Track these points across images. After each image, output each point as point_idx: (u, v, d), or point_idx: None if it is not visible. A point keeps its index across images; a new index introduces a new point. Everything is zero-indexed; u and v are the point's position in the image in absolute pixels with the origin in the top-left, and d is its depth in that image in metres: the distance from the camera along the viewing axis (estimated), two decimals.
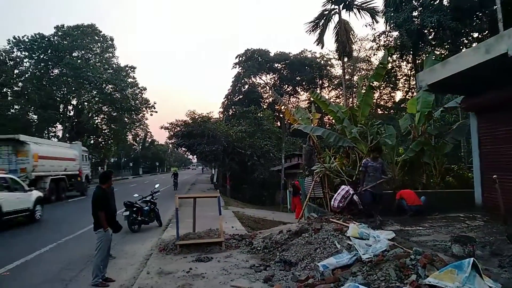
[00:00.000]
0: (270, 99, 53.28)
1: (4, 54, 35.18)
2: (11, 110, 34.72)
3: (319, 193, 12.99)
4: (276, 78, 55.46)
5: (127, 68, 48.83)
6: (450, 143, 11.26)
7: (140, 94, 50.37)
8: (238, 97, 54.00)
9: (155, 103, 51.85)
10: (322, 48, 25.51)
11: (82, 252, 8.13)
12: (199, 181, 47.83)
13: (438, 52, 22.78)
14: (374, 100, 28.15)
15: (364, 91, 12.25)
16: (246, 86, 54.08)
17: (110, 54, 48.50)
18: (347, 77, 31.91)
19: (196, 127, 30.09)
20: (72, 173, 22.99)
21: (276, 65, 53.88)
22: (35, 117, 41.33)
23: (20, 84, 37.02)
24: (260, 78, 55.17)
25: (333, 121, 16.40)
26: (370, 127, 10.98)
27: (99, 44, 46.96)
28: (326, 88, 51.99)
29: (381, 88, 35.06)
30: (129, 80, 48.35)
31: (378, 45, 27.97)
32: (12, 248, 8.79)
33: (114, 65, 47.79)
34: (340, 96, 46.91)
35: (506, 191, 7.27)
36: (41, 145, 20.64)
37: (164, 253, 7.64)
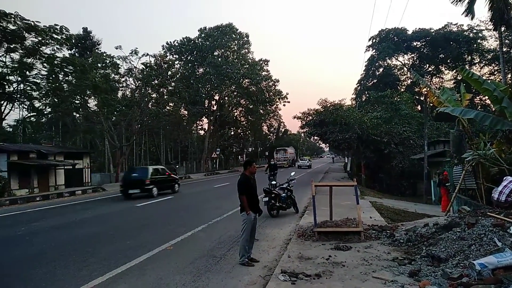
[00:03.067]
0: (409, 81, 49.39)
1: (159, 58, 40.71)
2: (167, 107, 40.09)
3: (471, 184, 11.52)
4: (415, 58, 50.99)
5: (261, 62, 51.28)
6: None
7: (273, 86, 52.44)
8: (372, 82, 51.56)
9: (287, 94, 53.44)
10: (472, 19, 22.15)
11: (229, 233, 8.96)
12: (332, 170, 47.50)
13: None
14: None
15: None
16: (381, 69, 51.16)
17: (246, 50, 51.62)
18: (505, 49, 27.22)
19: (328, 115, 29.85)
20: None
21: (414, 43, 49.44)
22: (185, 112, 46.91)
23: (172, 84, 42.43)
24: (397, 59, 51.46)
25: (488, 101, 14.28)
26: None
27: (236, 41, 50.41)
28: (476, 65, 45.51)
29: None
30: (263, 73, 50.74)
31: None
32: (173, 227, 10.21)
33: (250, 60, 50.72)
34: (496, 73, 40.53)
35: None
36: (289, 148, 62.66)
37: (303, 238, 7.85)
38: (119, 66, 33.34)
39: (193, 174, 40.18)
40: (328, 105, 31.81)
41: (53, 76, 21.51)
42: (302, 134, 69.19)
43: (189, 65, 48.32)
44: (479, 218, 6.40)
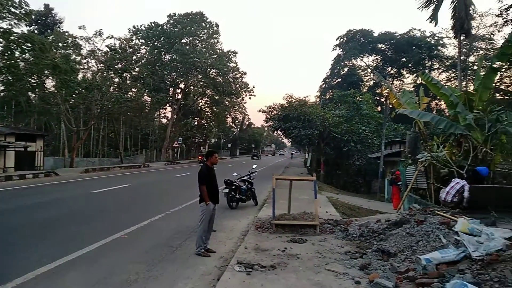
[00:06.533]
0: (371, 83, 50.95)
1: (125, 42, 39.29)
2: (129, 93, 38.85)
3: (422, 183, 12.09)
4: (379, 60, 52.68)
5: (229, 53, 50.79)
6: None
7: (240, 78, 52.19)
8: (337, 80, 52.70)
9: (254, 87, 53.37)
10: (435, 25, 23.24)
11: (186, 223, 8.86)
12: (292, 165, 48.22)
13: None
14: (494, 84, 24.84)
15: (483, 73, 10.87)
16: (346, 69, 52.43)
17: (215, 40, 50.89)
18: (462, 57, 28.68)
19: (292, 110, 30.17)
20: None
21: (379, 45, 51.03)
22: (149, 99, 45.70)
23: (137, 69, 41.13)
24: (362, 60, 52.92)
25: (443, 106, 14.99)
26: (489, 113, 9.75)
27: (205, 30, 49.54)
28: (435, 70, 47.72)
29: (503, 70, 30.85)
30: (231, 64, 50.32)
31: (504, 20, 24.24)
32: (128, 215, 9.96)
33: (218, 51, 50.09)
34: (452, 79, 42.66)
35: None
36: (272, 144, 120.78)
37: (260, 230, 7.93)
38: (82, 47, 31.93)
39: (152, 163, 39.37)
40: (293, 101, 32.15)
41: (9, 52, 20.13)
42: (266, 128, 69.68)
43: (156, 51, 47.01)
44: (427, 216, 6.73)
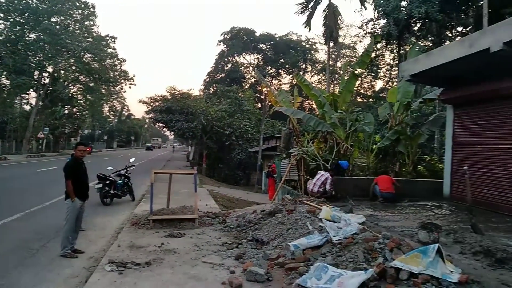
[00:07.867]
0: (252, 80, 53.00)
1: None
2: None
3: (295, 176, 13.11)
4: (260, 59, 55.01)
5: (107, 38, 47.10)
6: (425, 134, 11.51)
7: (119, 65, 48.88)
8: (220, 76, 53.40)
9: (134, 76, 50.54)
10: (309, 31, 25.49)
11: (51, 222, 7.95)
12: (175, 158, 47.45)
13: (422, 44, 22.82)
14: (355, 88, 28.28)
15: (347, 77, 12.30)
16: (229, 65, 53.48)
17: (91, 22, 46.50)
18: (330, 62, 31.97)
19: (175, 103, 29.62)
20: None
21: (261, 45, 53.32)
22: (8, 82, 39.55)
23: None
24: (244, 57, 54.63)
25: (314, 105, 16.52)
26: (350, 113, 11.08)
27: (79, 10, 44.88)
28: (309, 73, 52.05)
29: (363, 76, 35.41)
30: (109, 50, 46.71)
31: (365, 32, 27.63)
32: None
33: (94, 34, 45.95)
34: (322, 81, 47.10)
35: (474, 183, 7.57)
36: (159, 138, 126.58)
37: (136, 227, 7.59)
38: None
39: (11, 156, 34.32)
40: (176, 93, 31.56)
41: None
42: (147, 120, 67.13)
43: (18, 27, 40.68)
44: (297, 206, 7.32)
